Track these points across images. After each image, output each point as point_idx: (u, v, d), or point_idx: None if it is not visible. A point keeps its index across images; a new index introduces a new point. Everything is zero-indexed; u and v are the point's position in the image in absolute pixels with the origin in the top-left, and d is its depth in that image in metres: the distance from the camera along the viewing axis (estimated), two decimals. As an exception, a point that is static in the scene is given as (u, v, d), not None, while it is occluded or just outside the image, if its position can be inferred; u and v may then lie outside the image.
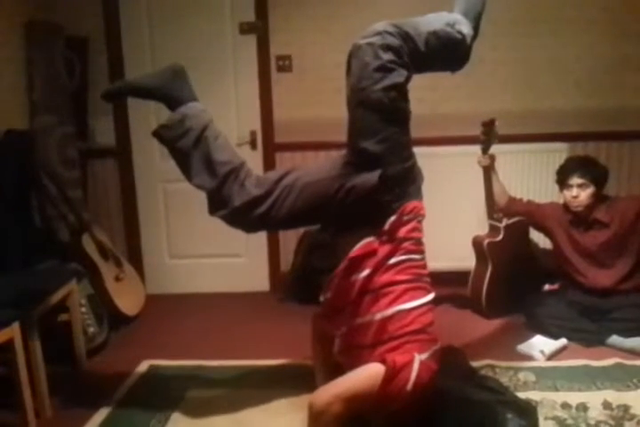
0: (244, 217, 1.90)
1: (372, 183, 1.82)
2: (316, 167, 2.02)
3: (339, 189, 1.85)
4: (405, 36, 1.82)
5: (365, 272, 1.82)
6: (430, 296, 1.87)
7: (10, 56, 2.96)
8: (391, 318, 1.78)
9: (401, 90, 1.83)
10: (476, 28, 2.04)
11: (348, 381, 1.72)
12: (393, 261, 1.83)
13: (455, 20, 1.96)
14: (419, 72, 1.91)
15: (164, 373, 2.53)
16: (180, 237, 3.59)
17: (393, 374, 1.66)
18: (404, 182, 1.89)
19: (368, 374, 1.71)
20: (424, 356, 1.74)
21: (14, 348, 2.02)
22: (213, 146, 1.92)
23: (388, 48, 1.79)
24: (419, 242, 1.92)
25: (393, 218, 1.85)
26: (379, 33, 1.80)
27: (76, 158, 3.23)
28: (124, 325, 3.05)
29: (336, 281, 1.89)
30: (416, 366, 1.69)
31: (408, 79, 1.85)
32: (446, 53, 1.96)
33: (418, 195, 1.94)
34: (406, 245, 1.85)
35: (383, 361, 1.70)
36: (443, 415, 1.77)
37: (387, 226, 1.84)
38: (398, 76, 1.80)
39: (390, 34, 1.80)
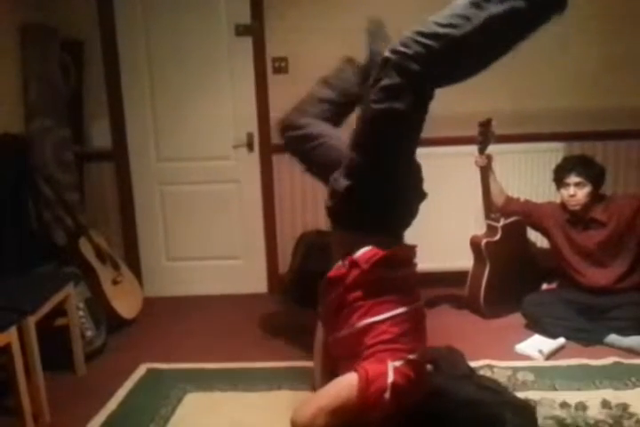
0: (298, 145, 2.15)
1: (340, 190, 1.81)
2: (337, 136, 2.08)
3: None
4: (429, 46, 1.53)
5: (340, 290, 1.84)
6: (402, 309, 1.81)
7: (5, 59, 2.95)
8: (364, 330, 1.78)
9: (399, 119, 1.65)
10: None
11: (327, 394, 1.72)
12: (361, 280, 1.82)
13: None
14: (480, 62, 1.60)
15: (163, 376, 2.52)
16: (178, 239, 3.59)
17: (367, 382, 1.65)
18: (380, 208, 1.81)
19: (344, 385, 1.70)
20: (398, 363, 1.72)
21: (12, 352, 2.02)
22: None
23: (402, 72, 1.57)
24: (391, 266, 1.86)
25: (366, 249, 1.81)
26: (397, 52, 1.57)
27: (72, 161, 3.22)
28: (121, 328, 3.04)
29: (322, 296, 1.92)
30: (390, 373, 1.67)
31: (416, 107, 1.65)
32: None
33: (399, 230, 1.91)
34: (374, 270, 1.81)
35: (356, 370, 1.70)
36: (442, 416, 1.77)
37: (357, 254, 1.82)
38: (399, 103, 1.61)
39: (409, 57, 1.55)
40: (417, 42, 1.54)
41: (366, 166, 1.78)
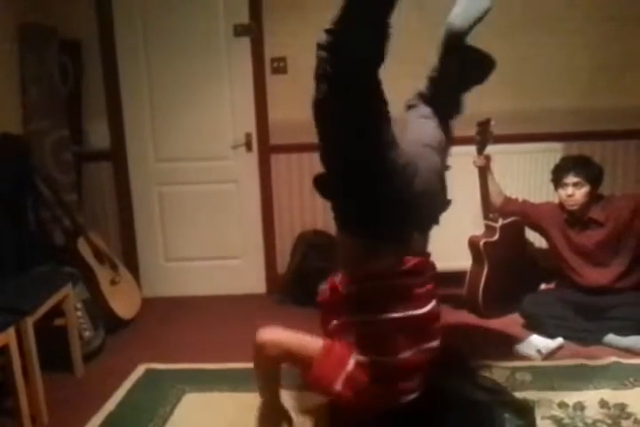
0: None
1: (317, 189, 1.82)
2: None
3: None
4: (332, 31, 1.62)
5: (329, 307, 1.89)
6: (389, 314, 1.76)
7: (3, 59, 2.95)
8: (343, 327, 1.80)
9: (323, 107, 1.67)
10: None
11: (294, 337, 1.81)
12: (346, 296, 1.82)
13: None
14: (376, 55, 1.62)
15: (161, 376, 2.52)
16: (176, 239, 3.59)
17: (327, 354, 1.72)
18: (361, 210, 1.72)
19: (309, 341, 1.79)
20: (362, 358, 1.72)
21: (10, 353, 2.01)
22: None
23: (320, 61, 1.67)
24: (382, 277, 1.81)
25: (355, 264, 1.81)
26: (317, 44, 1.66)
27: (70, 162, 3.22)
28: (120, 328, 3.03)
29: (318, 308, 1.96)
30: (352, 362, 1.71)
31: (336, 95, 1.63)
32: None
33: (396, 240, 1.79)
34: (358, 286, 1.79)
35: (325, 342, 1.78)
36: (441, 415, 1.77)
37: (349, 266, 1.81)
38: (319, 93, 1.65)
39: (322, 46, 1.65)
40: (326, 31, 1.65)
41: (328, 163, 1.78)
